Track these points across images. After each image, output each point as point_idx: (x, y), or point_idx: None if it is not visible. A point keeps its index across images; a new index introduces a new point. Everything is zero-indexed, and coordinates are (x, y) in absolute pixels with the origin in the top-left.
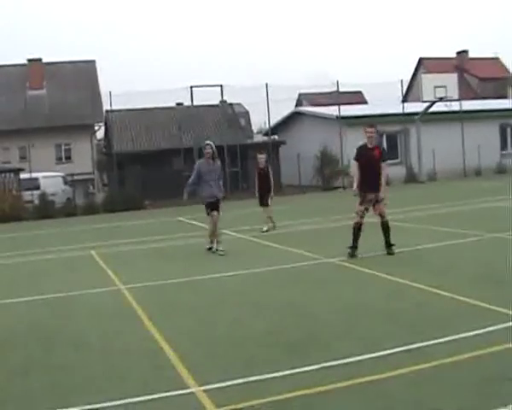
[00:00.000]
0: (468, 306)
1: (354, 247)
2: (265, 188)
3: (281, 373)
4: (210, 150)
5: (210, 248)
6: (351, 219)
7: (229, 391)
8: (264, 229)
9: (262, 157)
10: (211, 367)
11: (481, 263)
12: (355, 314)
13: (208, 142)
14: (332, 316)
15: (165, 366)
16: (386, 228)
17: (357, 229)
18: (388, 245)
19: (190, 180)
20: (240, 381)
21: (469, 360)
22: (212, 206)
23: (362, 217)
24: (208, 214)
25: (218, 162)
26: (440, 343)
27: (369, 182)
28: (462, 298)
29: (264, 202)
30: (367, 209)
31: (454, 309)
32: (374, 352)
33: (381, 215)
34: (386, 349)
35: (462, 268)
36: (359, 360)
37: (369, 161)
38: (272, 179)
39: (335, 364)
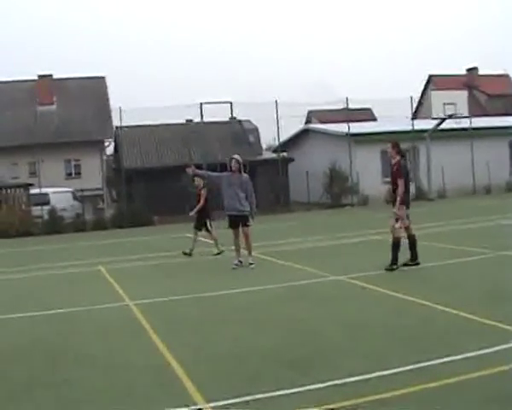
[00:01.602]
0: (475, 324)
1: (411, 259)
2: (201, 212)
3: (286, 391)
4: (237, 165)
5: (237, 264)
6: (359, 236)
7: (235, 408)
8: (215, 252)
9: (198, 179)
10: (216, 384)
11: (488, 281)
12: (361, 332)
13: (235, 156)
14: (337, 333)
15: (171, 381)
16: (391, 244)
17: (410, 242)
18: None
19: (212, 173)
20: (245, 398)
21: (476, 380)
22: (237, 220)
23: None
24: (230, 227)
25: (245, 175)
26: (446, 362)
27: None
28: (468, 316)
29: (199, 226)
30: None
31: (460, 327)
32: (379, 370)
33: (392, 229)
34: (391, 368)
35: (468, 286)
36: (365, 379)
37: (391, 176)
38: (206, 202)
39: (340, 382)
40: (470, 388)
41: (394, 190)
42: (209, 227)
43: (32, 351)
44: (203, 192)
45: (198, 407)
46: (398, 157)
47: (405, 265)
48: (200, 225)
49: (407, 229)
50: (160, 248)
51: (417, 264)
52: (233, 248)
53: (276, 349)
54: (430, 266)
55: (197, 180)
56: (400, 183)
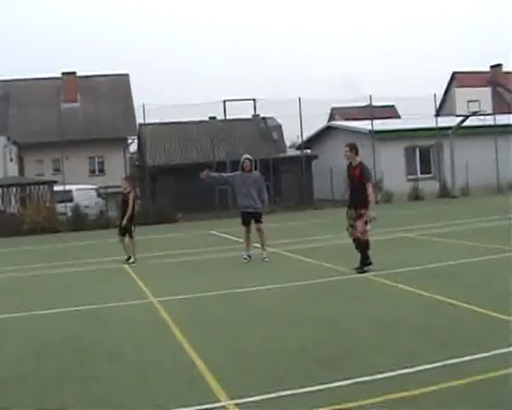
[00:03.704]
0: (503, 322)
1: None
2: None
3: (313, 388)
4: (249, 164)
5: (246, 258)
6: (384, 233)
7: (262, 405)
8: (128, 259)
9: (124, 182)
10: (243, 381)
11: None
12: (389, 330)
13: (246, 156)
14: (365, 331)
15: (198, 378)
16: (360, 246)
17: (356, 245)
18: (361, 263)
19: (224, 174)
20: (272, 395)
21: (504, 378)
22: (249, 216)
23: (350, 233)
24: (243, 224)
25: (256, 174)
26: (474, 360)
27: (350, 199)
28: (496, 314)
29: (121, 232)
30: (351, 226)
31: (488, 325)
32: (407, 368)
33: (361, 233)
34: (419, 365)
35: (496, 284)
36: (393, 376)
37: (350, 179)
38: (134, 208)
39: (369, 379)
40: (498, 386)
41: (358, 194)
42: (132, 233)
43: (61, 347)
44: (132, 196)
45: (222, 403)
46: (358, 159)
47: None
48: (126, 230)
49: (356, 233)
50: (183, 246)
51: (363, 269)
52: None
53: (304, 347)
54: (458, 263)
55: (124, 183)
56: (369, 186)
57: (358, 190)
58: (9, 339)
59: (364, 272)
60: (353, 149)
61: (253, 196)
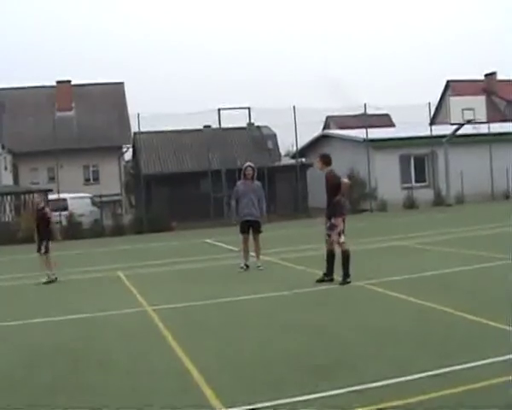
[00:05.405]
0: (497, 330)
1: (326, 273)
2: (41, 233)
3: (308, 397)
4: (251, 171)
5: (242, 268)
6: (378, 242)
7: None
8: (44, 280)
9: (38, 198)
10: (237, 389)
11: (510, 287)
12: (382, 337)
13: (249, 163)
14: (359, 339)
15: (192, 387)
16: (343, 258)
17: (327, 255)
18: (344, 275)
19: (233, 203)
20: (266, 404)
21: (499, 385)
22: (249, 224)
23: (327, 243)
24: (242, 233)
25: (257, 183)
26: (469, 368)
27: (327, 209)
28: (490, 322)
29: (39, 250)
30: (328, 235)
31: (482, 333)
32: (402, 376)
33: (338, 244)
34: (414, 373)
35: (490, 292)
36: (387, 384)
37: (325, 188)
38: (51, 223)
39: (363, 388)
40: (494, 393)
41: (329, 204)
42: (49, 249)
43: (54, 356)
44: (48, 211)
45: None
46: (329, 168)
47: (321, 281)
48: (41, 246)
49: (332, 243)
50: (178, 254)
51: (332, 280)
52: (241, 253)
53: (298, 355)
54: (452, 272)
55: (37, 197)
56: (345, 185)
57: (329, 199)
58: (1, 348)
59: (347, 282)
60: (321, 159)
61: (254, 203)
